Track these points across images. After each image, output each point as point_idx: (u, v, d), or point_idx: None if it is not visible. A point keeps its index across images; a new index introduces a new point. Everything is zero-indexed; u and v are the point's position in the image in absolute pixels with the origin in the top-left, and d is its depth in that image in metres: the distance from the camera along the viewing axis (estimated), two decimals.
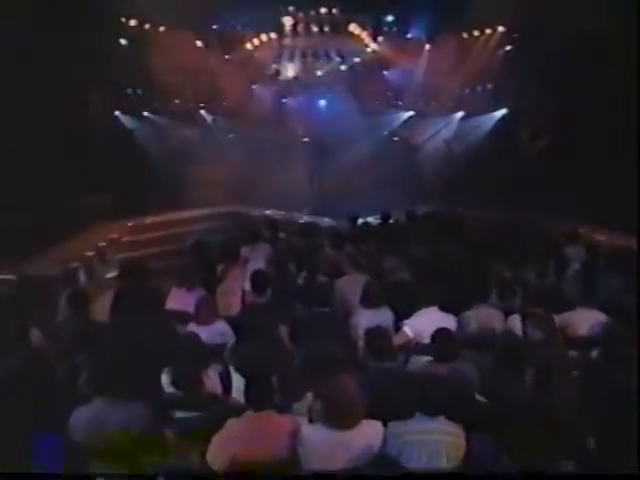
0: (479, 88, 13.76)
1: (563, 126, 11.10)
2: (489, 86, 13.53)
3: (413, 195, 12.15)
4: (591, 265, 6.23)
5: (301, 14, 13.11)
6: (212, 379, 4.09)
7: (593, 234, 8.49)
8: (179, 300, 5.32)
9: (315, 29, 13.30)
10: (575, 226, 7.87)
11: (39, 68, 8.55)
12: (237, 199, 11.96)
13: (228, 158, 12.58)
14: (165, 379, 3.91)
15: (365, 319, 4.87)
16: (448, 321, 4.86)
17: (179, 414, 3.68)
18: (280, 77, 14.27)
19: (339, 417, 3.24)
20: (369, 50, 13.89)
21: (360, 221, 8.65)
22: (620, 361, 3.96)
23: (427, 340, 4.52)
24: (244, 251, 6.56)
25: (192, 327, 4.72)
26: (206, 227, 10.12)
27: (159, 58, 12.38)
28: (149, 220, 10.64)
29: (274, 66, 14.15)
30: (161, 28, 12.29)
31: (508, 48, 12.68)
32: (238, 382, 3.88)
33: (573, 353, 4.56)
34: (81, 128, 10.27)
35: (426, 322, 4.76)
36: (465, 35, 13.46)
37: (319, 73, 14.33)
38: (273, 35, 13.43)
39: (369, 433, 3.33)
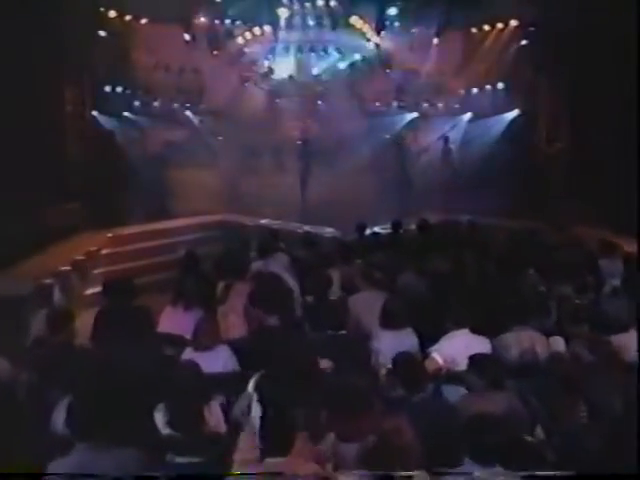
0: (489, 87, 13.56)
1: (581, 128, 10.91)
2: (500, 85, 13.33)
3: (419, 202, 11.97)
4: (632, 281, 5.95)
5: (297, 6, 12.85)
6: (215, 415, 3.78)
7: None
8: (174, 321, 5.05)
9: (312, 22, 13.04)
10: (608, 235, 7.59)
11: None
12: (228, 207, 11.75)
13: (217, 162, 12.42)
14: (159, 418, 3.58)
15: (387, 343, 4.67)
16: (483, 345, 4.60)
17: (178, 459, 3.33)
18: (273, 75, 14.03)
19: (392, 465, 2.85)
20: (371, 46, 13.63)
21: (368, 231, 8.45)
22: None
23: (460, 368, 4.30)
24: (256, 265, 6.28)
25: (190, 353, 4.42)
26: (196, 237, 9.91)
27: (141, 53, 12.19)
28: (131, 230, 10.35)
29: (267, 63, 13.93)
30: (143, 20, 12.03)
31: (523, 43, 12.45)
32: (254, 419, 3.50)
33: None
34: (54, 129, 9.93)
35: (458, 347, 4.55)
36: (475, 30, 13.30)
37: (316, 71, 14.08)
38: (266, 28, 13.14)
39: None
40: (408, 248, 7.30)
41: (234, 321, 5.15)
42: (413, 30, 13.38)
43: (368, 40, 13.53)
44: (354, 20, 13.05)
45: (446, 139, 13.77)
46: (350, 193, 12.20)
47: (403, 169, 13.73)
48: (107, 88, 12.15)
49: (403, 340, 4.73)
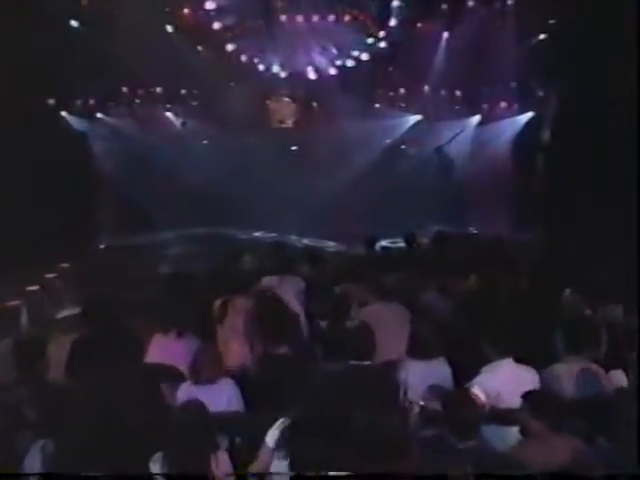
0: (501, 87, 13.49)
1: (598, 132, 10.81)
2: (513, 84, 13.25)
3: (424, 213, 12.03)
4: None
5: None
6: (223, 465, 3.44)
7: None
8: (165, 350, 4.70)
9: (308, 15, 12.79)
10: None
11: None
12: (217, 218, 11.44)
13: (202, 169, 12.16)
14: (157, 470, 3.31)
15: (417, 375, 4.39)
16: (530, 377, 4.31)
17: None
18: (264, 73, 13.70)
19: None
20: (372, 41, 13.43)
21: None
22: None
23: (506, 405, 4.04)
24: (267, 281, 6.02)
25: (187, 388, 4.12)
26: (182, 252, 9.59)
27: (116, 47, 11.82)
28: (108, 243, 10.05)
29: (257, 60, 13.61)
30: (119, 10, 11.62)
31: (541, 37, 12.34)
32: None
33: None
34: (19, 131, 9.82)
35: (502, 379, 4.27)
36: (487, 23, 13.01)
37: (312, 69, 13.85)
38: (257, 22, 12.85)
39: None
40: (426, 264, 7.00)
41: (236, 349, 4.85)
42: (418, 24, 13.26)
43: (369, 36, 13.35)
44: (354, 14, 12.89)
45: (443, 148, 13.65)
46: (350, 202, 12.23)
47: (406, 176, 13.53)
48: (78, 86, 11.95)
49: (435, 371, 4.48)
